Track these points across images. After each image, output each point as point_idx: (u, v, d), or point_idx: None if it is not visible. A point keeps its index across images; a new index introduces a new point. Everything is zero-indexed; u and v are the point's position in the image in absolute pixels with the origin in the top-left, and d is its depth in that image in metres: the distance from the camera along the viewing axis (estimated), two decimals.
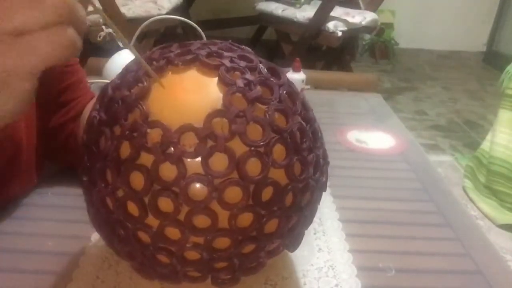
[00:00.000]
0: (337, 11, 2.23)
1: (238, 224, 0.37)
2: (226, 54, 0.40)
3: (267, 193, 0.37)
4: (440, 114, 2.80)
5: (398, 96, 3.02)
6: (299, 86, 0.98)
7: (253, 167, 0.36)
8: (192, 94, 0.38)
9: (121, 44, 1.55)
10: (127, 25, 1.87)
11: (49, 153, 0.66)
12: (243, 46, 0.43)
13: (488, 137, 1.89)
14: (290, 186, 0.38)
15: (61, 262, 0.52)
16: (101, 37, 1.73)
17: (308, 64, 1.63)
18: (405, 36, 3.79)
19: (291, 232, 0.42)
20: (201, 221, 0.37)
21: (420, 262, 0.57)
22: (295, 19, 2.29)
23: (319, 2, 2.22)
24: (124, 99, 0.38)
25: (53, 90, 0.62)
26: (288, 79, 0.42)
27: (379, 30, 2.65)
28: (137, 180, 0.36)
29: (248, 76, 0.38)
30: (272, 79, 0.40)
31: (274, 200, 0.38)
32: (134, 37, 1.10)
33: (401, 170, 0.81)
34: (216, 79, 0.38)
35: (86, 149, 0.40)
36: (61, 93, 0.64)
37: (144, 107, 0.37)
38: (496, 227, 1.71)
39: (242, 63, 0.39)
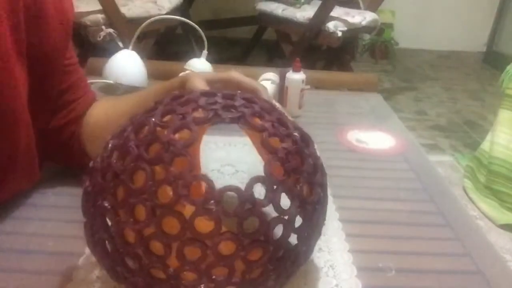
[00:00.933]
0: (337, 11, 2.23)
1: (250, 276, 0.40)
2: (267, 117, 0.43)
3: (282, 250, 0.41)
4: (440, 114, 2.80)
5: (398, 96, 3.02)
6: (299, 86, 0.98)
7: (278, 231, 0.39)
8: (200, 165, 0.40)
9: (121, 44, 1.55)
10: (127, 25, 1.87)
11: (50, 154, 0.66)
12: (278, 107, 0.47)
13: (488, 137, 1.89)
14: (298, 248, 0.42)
15: (61, 262, 0.52)
16: (101, 37, 1.73)
17: (308, 64, 1.63)
18: (405, 36, 3.79)
19: (287, 278, 0.45)
20: (220, 272, 0.39)
21: (420, 262, 0.57)
22: (295, 19, 2.29)
23: (319, 2, 2.22)
24: (170, 143, 0.39)
25: (53, 91, 0.62)
26: (314, 148, 0.45)
27: (379, 30, 2.65)
28: (171, 225, 0.38)
29: (286, 145, 0.41)
30: (305, 150, 0.43)
31: (284, 258, 0.41)
32: (134, 37, 1.10)
33: (401, 170, 0.81)
34: (258, 140, 0.41)
35: (113, 176, 0.40)
36: (62, 94, 0.64)
37: (190, 157, 0.38)
38: (496, 227, 1.71)
39: (282, 130, 0.42)
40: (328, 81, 1.27)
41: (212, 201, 0.37)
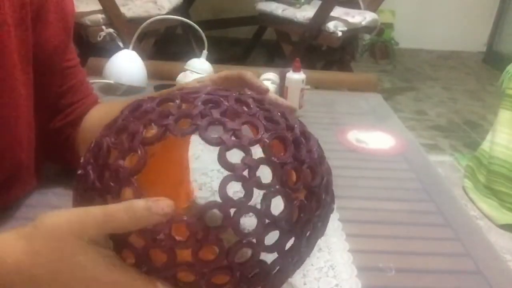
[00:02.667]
0: (337, 11, 2.23)
1: None
2: (229, 125, 0.37)
3: (253, 271, 0.38)
4: (440, 114, 2.80)
5: (398, 96, 3.02)
6: (299, 86, 0.98)
7: (243, 254, 0.36)
8: (187, 171, 0.38)
9: (121, 44, 1.55)
10: (127, 25, 1.87)
11: (48, 154, 0.65)
12: (251, 104, 0.40)
13: (488, 137, 1.89)
14: (277, 262, 0.38)
15: None
16: (101, 37, 1.73)
17: (308, 64, 1.63)
18: (405, 36, 3.79)
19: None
20: None
21: (420, 262, 0.57)
22: (295, 19, 2.29)
23: (319, 2, 2.22)
24: (117, 172, 0.36)
25: (53, 93, 0.62)
26: (297, 146, 0.40)
27: (379, 30, 2.65)
28: (128, 257, 0.36)
29: (248, 160, 0.36)
30: (274, 158, 0.37)
31: (259, 276, 0.38)
32: (134, 37, 1.10)
33: (401, 170, 0.81)
34: (215, 155, 0.37)
35: (78, 203, 0.39)
36: (61, 96, 0.63)
37: (137, 185, 0.36)
38: (496, 227, 1.71)
39: (245, 140, 0.37)
40: (328, 81, 1.27)
41: (161, 233, 0.35)
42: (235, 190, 0.37)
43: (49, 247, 0.35)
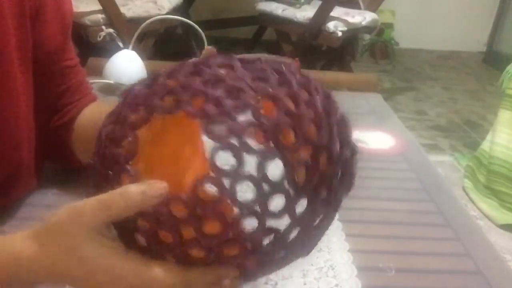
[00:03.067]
0: (337, 11, 2.23)
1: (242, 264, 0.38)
2: (211, 92, 0.35)
3: (265, 240, 0.37)
4: (440, 114, 2.80)
5: (398, 96, 3.02)
6: None
7: (249, 222, 0.36)
8: (183, 149, 0.38)
9: (121, 44, 1.55)
10: (127, 25, 1.88)
11: (48, 154, 0.65)
12: (236, 67, 0.38)
13: (488, 137, 1.89)
14: (292, 228, 0.37)
15: None
16: (101, 37, 1.73)
17: (308, 64, 1.63)
18: (405, 36, 3.79)
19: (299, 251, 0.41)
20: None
21: (420, 262, 0.57)
22: (295, 19, 2.29)
23: (319, 2, 2.22)
24: (114, 159, 0.37)
25: (53, 93, 0.62)
26: (294, 101, 0.36)
27: (379, 30, 2.65)
28: (140, 239, 0.37)
29: (233, 125, 0.34)
30: (263, 119, 0.35)
31: (276, 245, 0.37)
32: (134, 37, 1.10)
33: (401, 170, 0.81)
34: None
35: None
36: (61, 96, 0.63)
37: (132, 171, 0.36)
38: (496, 227, 1.71)
39: (228, 106, 0.34)
40: (328, 81, 1.27)
41: (163, 214, 0.35)
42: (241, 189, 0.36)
43: (53, 240, 0.37)
